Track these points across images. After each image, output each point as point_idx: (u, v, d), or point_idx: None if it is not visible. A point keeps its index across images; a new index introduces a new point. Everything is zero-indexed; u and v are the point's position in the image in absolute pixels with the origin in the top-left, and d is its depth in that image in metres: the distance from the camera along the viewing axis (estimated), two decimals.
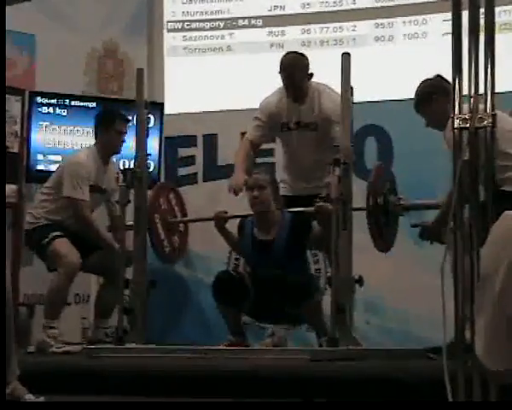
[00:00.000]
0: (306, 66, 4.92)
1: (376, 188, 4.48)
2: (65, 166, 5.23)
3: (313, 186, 4.83)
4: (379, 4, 6.22)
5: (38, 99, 5.91)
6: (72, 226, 5.15)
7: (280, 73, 4.89)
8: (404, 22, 6.12)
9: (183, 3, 6.62)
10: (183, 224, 5.41)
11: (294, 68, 4.86)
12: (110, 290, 5.12)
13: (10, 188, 5.71)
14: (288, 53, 5.03)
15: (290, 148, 4.99)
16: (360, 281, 4.26)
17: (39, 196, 5.34)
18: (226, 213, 4.90)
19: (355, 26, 6.25)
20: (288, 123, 4.93)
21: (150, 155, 5.07)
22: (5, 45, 5.04)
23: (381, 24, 6.19)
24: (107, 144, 5.25)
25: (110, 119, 5.26)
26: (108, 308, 5.19)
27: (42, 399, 3.26)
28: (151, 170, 5.43)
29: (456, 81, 2.67)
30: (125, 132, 5.26)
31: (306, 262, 4.92)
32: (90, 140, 5.73)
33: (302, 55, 4.98)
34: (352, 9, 6.29)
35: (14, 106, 5.86)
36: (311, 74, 4.91)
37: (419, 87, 4.48)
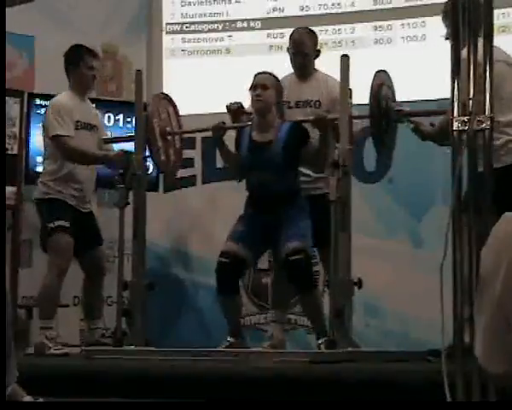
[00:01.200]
0: (315, 42, 4.99)
1: (378, 93, 4.41)
2: (46, 112, 5.24)
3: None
4: (378, 7, 6.22)
5: (37, 101, 5.90)
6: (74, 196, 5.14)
7: (289, 46, 4.98)
8: (402, 25, 6.12)
9: (182, 6, 6.62)
10: (179, 141, 5.22)
11: (303, 40, 4.94)
12: (95, 290, 5.13)
13: (9, 190, 5.72)
14: (298, 28, 5.09)
15: None
16: (359, 283, 4.26)
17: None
18: (224, 123, 4.79)
19: (354, 29, 6.25)
20: (289, 102, 4.92)
21: (149, 156, 5.07)
22: (5, 46, 5.04)
23: (380, 26, 6.19)
24: (80, 81, 5.23)
25: (78, 55, 5.24)
26: (96, 308, 5.17)
27: (40, 401, 3.25)
28: (150, 172, 5.41)
29: (455, 84, 2.67)
30: (96, 68, 5.28)
31: (298, 176, 4.73)
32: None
33: (312, 31, 5.05)
34: (351, 12, 6.28)
35: (12, 108, 5.86)
36: (319, 51, 4.98)
37: None
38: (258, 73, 4.72)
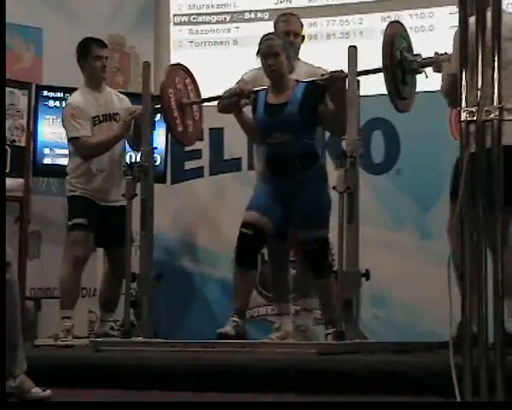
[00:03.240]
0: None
1: (393, 43, 4.33)
2: (62, 116, 5.32)
3: None
4: None
5: (45, 92, 5.89)
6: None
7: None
8: (410, 15, 6.09)
9: None
10: (198, 111, 5.19)
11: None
12: (116, 285, 5.14)
13: (17, 182, 5.72)
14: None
15: None
16: (367, 275, 4.26)
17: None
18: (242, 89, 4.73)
19: (362, 20, 6.23)
20: None
21: (156, 148, 5.07)
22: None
23: (388, 17, 6.16)
24: (91, 74, 5.30)
25: (86, 48, 5.30)
26: (114, 302, 5.21)
27: (48, 392, 3.26)
28: (157, 164, 5.40)
29: (463, 74, 2.66)
30: (105, 57, 5.33)
31: (315, 133, 4.67)
32: None
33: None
34: (359, 2, 6.26)
35: (20, 100, 5.84)
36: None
37: None
38: (265, 39, 4.63)
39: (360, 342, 4.18)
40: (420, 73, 4.43)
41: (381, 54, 4.29)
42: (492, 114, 2.58)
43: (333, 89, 4.47)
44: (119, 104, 5.37)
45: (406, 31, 4.49)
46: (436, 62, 4.31)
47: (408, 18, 6.10)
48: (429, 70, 4.39)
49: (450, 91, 3.82)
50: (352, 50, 4.47)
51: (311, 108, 4.53)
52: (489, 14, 2.63)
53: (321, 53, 6.04)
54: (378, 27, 6.14)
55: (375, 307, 5.56)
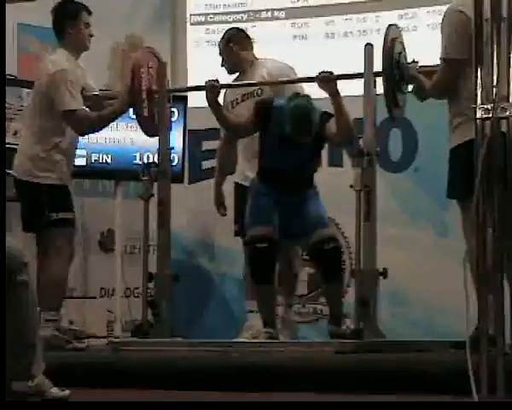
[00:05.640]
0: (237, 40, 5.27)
1: (391, 48, 4.34)
2: (50, 79, 4.72)
3: None
4: None
5: None
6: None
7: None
8: (428, 12, 6.07)
9: None
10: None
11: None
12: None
13: None
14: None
15: None
16: (384, 273, 4.25)
17: (27, 136, 4.80)
18: (218, 81, 4.74)
19: (379, 17, 6.21)
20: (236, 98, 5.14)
21: (173, 148, 5.07)
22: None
23: (405, 14, 6.15)
24: (77, 40, 4.85)
25: (76, 10, 4.87)
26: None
27: (67, 392, 3.27)
28: (175, 164, 5.41)
29: (478, 71, 2.65)
30: (91, 26, 4.90)
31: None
32: (113, 134, 5.77)
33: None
34: (377, 0, 6.24)
35: None
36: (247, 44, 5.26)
37: None
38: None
39: (378, 340, 4.17)
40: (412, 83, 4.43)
41: (382, 58, 4.31)
42: (508, 111, 2.57)
43: (324, 87, 4.47)
44: (86, 78, 4.95)
45: (402, 36, 4.51)
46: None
47: (425, 15, 6.09)
48: None
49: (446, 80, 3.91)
50: (369, 48, 4.47)
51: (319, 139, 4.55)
52: None
53: (338, 51, 6.05)
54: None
55: (393, 305, 5.54)
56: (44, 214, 4.69)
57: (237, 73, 5.30)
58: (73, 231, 4.90)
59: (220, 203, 5.28)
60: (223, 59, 5.32)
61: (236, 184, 5.20)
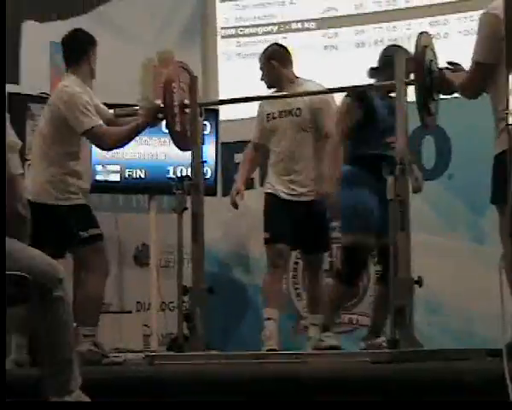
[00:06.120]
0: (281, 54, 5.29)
1: (422, 56, 4.30)
2: (63, 103, 4.78)
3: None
4: (433, 1, 6.15)
5: None
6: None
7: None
8: (458, 19, 6.05)
9: (237, 9, 6.64)
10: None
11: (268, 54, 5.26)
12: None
13: None
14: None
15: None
16: (420, 281, 4.22)
17: (38, 163, 4.84)
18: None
19: (409, 25, 6.19)
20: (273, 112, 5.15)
21: (206, 161, 5.09)
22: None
23: (436, 21, 6.12)
24: (90, 69, 4.98)
25: (90, 41, 4.98)
26: None
27: None
28: (208, 177, 5.43)
29: (510, 77, 2.62)
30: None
31: None
32: (147, 149, 5.80)
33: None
34: (407, 8, 6.23)
35: None
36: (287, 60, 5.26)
37: None
38: None
39: (414, 349, 4.14)
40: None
41: (414, 66, 4.29)
42: None
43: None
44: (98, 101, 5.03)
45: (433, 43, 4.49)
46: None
47: (456, 21, 6.06)
48: None
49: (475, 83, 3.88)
50: (400, 56, 4.44)
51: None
52: None
53: (369, 60, 6.03)
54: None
55: (430, 313, 5.52)
56: (75, 235, 4.75)
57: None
58: (104, 246, 4.94)
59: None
60: (263, 73, 5.29)
61: (267, 193, 5.21)
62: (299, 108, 5.08)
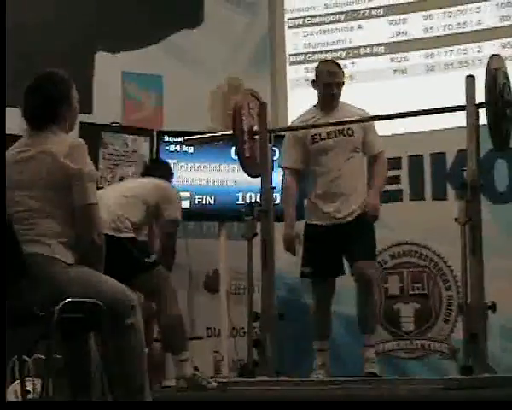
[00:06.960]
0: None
1: (494, 79, 4.26)
2: (167, 191, 4.99)
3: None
4: (505, 23, 6.08)
5: (166, 138, 6.01)
6: None
7: (319, 78, 5.17)
8: None
9: (305, 36, 6.65)
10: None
11: (337, 70, 5.16)
12: None
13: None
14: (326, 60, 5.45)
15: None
16: (493, 307, 4.16)
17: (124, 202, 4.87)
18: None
19: (480, 48, 6.13)
20: (320, 133, 5.04)
21: (276, 187, 5.09)
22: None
23: (508, 43, 6.05)
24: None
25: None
26: None
27: None
28: (277, 202, 5.44)
29: None
30: None
31: None
32: (216, 176, 5.85)
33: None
34: (477, 30, 6.17)
35: (142, 146, 5.99)
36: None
37: None
38: None
39: (489, 376, 4.07)
40: None
41: (485, 89, 4.24)
42: None
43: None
44: None
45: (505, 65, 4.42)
46: None
47: None
48: None
49: None
50: (470, 80, 4.41)
51: None
52: None
53: (439, 84, 5.99)
54: None
55: (504, 339, 5.41)
56: (140, 261, 4.75)
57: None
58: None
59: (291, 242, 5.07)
60: (336, 89, 5.12)
61: (308, 224, 5.08)
62: (349, 128, 5.03)
